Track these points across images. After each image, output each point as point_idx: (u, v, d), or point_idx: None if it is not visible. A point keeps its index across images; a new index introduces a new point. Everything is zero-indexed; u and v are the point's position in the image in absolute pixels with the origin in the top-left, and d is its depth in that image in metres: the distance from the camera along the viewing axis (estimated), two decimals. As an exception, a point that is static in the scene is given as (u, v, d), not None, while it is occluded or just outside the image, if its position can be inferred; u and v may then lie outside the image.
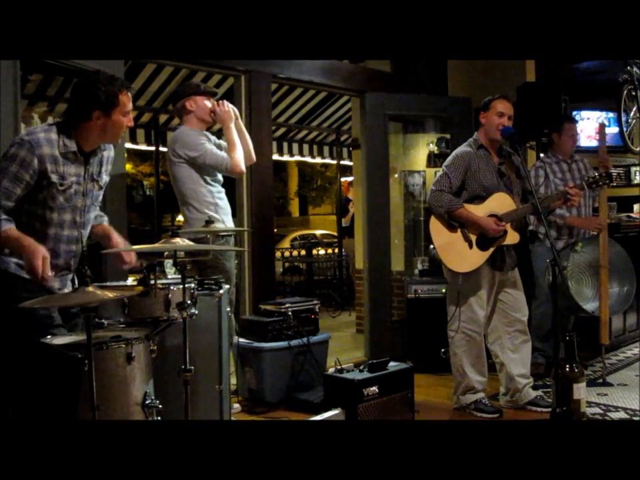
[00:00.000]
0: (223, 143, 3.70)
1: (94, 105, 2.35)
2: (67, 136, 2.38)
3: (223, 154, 3.50)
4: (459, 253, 3.62)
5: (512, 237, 3.65)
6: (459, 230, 3.63)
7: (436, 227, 3.67)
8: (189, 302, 2.35)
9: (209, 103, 3.61)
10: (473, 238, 3.62)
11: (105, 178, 2.60)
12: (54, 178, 2.35)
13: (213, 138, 3.67)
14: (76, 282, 2.59)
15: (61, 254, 2.46)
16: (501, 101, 3.66)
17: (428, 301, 4.77)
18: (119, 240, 2.65)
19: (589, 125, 5.78)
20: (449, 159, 3.72)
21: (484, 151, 3.69)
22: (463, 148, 3.73)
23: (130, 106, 2.44)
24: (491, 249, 3.61)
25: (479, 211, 3.60)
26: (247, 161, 3.67)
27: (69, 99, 2.54)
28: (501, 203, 3.63)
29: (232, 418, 3.21)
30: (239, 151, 3.53)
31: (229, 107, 3.59)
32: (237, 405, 3.81)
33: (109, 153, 2.60)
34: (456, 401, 3.78)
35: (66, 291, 2.50)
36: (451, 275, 3.70)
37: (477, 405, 3.68)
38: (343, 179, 9.92)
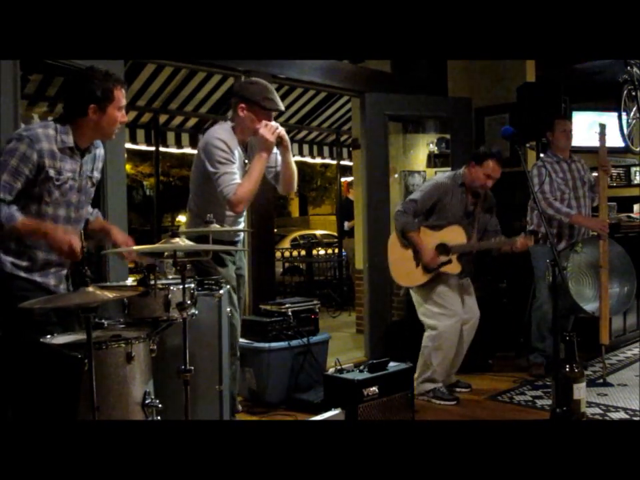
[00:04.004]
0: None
1: (90, 100, 2.38)
2: (64, 132, 2.41)
3: (233, 184, 2.99)
4: (405, 268, 4.02)
5: (454, 267, 3.96)
6: (410, 248, 3.99)
7: (393, 242, 4.09)
8: (188, 302, 2.35)
9: (262, 122, 3.06)
10: (419, 259, 3.98)
11: (97, 175, 2.63)
12: (51, 173, 2.37)
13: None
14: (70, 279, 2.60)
15: None
16: (494, 162, 3.89)
17: (428, 301, 4.77)
18: (117, 235, 2.64)
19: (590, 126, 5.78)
20: (428, 185, 4.05)
21: (463, 189, 3.99)
22: (444, 179, 4.03)
23: (124, 101, 2.47)
24: (432, 273, 3.95)
25: (433, 237, 3.97)
26: (284, 188, 3.36)
27: (64, 95, 2.57)
28: (454, 235, 3.97)
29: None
30: (250, 187, 3.01)
31: (270, 135, 3.03)
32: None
33: (100, 150, 2.63)
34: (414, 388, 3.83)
35: (61, 287, 2.52)
36: (418, 288, 4.02)
37: (435, 392, 3.96)
38: (343, 179, 9.92)
